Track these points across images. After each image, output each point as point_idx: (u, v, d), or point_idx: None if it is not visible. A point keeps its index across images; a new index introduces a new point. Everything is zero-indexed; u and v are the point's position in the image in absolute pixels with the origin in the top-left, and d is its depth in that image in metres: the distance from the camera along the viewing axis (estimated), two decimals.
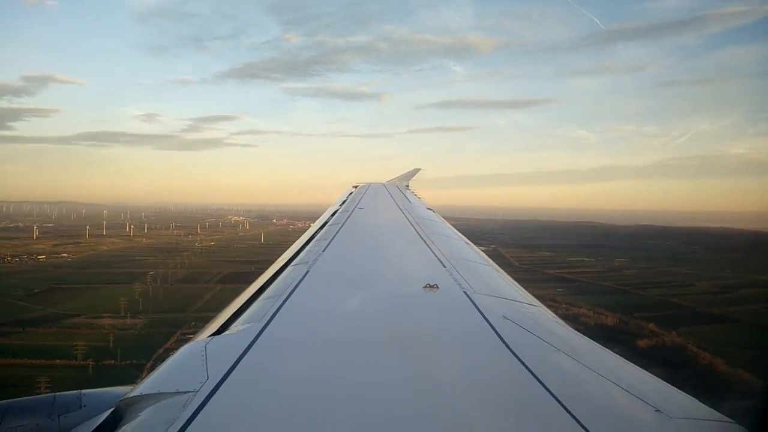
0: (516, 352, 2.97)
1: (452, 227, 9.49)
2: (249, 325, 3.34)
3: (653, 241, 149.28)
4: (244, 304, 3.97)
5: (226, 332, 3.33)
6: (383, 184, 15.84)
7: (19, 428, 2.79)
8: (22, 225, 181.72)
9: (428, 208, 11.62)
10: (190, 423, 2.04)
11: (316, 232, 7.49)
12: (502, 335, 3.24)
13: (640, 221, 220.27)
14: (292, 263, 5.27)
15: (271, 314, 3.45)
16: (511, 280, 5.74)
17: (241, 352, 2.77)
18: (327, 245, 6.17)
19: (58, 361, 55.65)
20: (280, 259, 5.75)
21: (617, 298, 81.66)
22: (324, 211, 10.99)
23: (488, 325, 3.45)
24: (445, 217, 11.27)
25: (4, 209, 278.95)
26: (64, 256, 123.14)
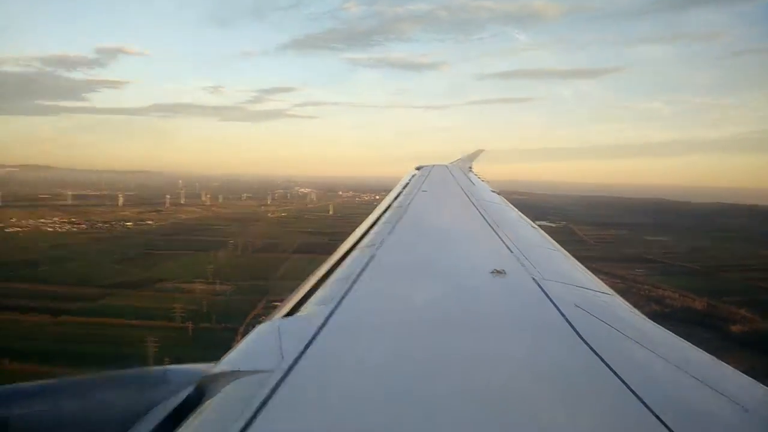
0: (589, 342, 2.83)
1: (519, 211, 9.14)
2: (320, 306, 3.37)
3: (735, 220, 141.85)
4: (313, 286, 4.03)
5: (298, 313, 3.42)
6: (446, 166, 15.19)
7: (111, 401, 2.89)
8: (106, 193, 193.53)
9: (493, 191, 11.24)
10: (269, 400, 2.14)
11: (380, 215, 7.39)
12: (573, 324, 3.11)
13: (717, 198, 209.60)
14: (358, 246, 5.28)
15: (340, 297, 3.48)
16: (582, 266, 5.46)
17: (313, 332, 2.83)
18: (392, 229, 6.11)
19: (162, 322, 60.06)
20: (345, 242, 5.82)
21: (702, 281, 78.79)
22: (387, 185, 11.14)
23: (559, 313, 3.30)
24: (507, 193, 10.96)
25: (90, 178, 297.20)
26: (149, 224, 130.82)
